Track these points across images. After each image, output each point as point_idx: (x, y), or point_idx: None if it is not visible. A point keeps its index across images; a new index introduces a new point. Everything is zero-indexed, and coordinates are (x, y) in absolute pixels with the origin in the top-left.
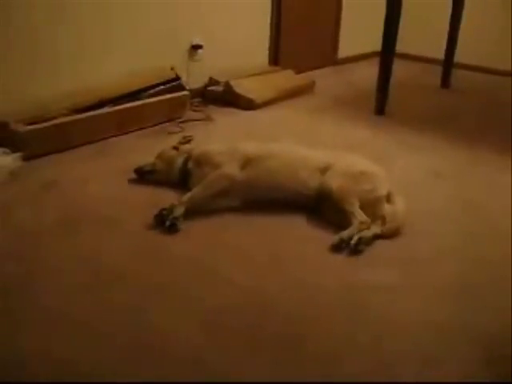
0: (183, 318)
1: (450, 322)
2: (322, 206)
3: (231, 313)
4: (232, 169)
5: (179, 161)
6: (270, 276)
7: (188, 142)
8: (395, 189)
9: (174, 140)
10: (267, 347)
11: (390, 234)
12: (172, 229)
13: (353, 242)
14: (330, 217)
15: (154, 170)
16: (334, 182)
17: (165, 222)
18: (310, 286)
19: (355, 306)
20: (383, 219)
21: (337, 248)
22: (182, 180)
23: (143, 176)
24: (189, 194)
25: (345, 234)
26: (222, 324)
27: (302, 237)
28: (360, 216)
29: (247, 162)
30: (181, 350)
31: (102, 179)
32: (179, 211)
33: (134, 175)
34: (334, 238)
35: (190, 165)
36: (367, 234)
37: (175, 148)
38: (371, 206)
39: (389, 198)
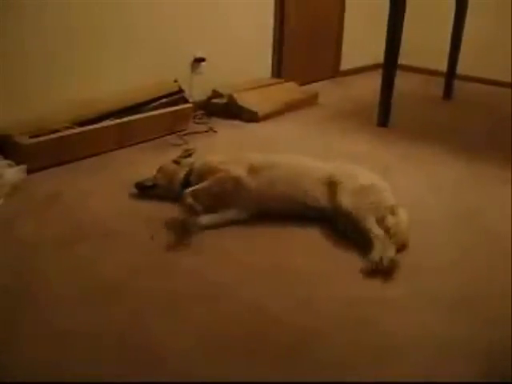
0: (183, 331)
1: (452, 334)
2: (333, 219)
3: (232, 326)
4: (238, 172)
5: (181, 175)
6: (274, 287)
7: (189, 155)
8: (398, 200)
9: (178, 153)
10: (268, 357)
11: (398, 247)
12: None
13: (385, 263)
14: (342, 229)
15: (155, 184)
16: (346, 201)
17: (143, 190)
18: (315, 299)
19: (359, 318)
20: (389, 231)
21: (371, 273)
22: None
23: (144, 191)
24: (192, 188)
25: (375, 257)
26: (221, 337)
27: (305, 249)
28: (378, 232)
29: (251, 172)
30: (179, 363)
31: (105, 192)
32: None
33: (135, 189)
34: (365, 264)
35: (193, 178)
36: (391, 252)
37: (176, 162)
38: (381, 219)
39: (392, 210)
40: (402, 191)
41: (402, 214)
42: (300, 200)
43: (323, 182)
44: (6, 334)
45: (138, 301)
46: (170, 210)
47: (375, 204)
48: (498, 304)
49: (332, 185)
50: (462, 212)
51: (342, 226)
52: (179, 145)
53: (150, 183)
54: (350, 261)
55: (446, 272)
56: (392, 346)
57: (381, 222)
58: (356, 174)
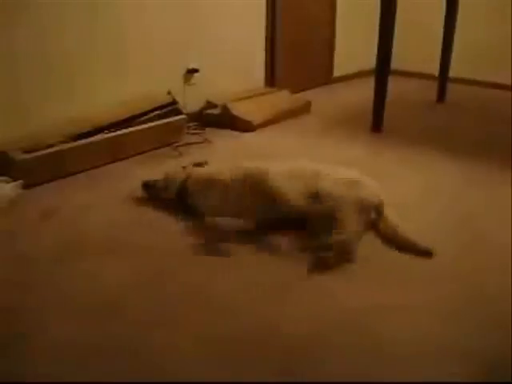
0: (182, 341)
1: (450, 337)
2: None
3: (231, 335)
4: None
5: (178, 181)
6: (272, 297)
7: (201, 165)
8: (395, 205)
9: (171, 164)
10: (267, 361)
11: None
12: None
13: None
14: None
15: (154, 185)
16: (325, 185)
17: (147, 189)
18: (314, 308)
19: (359, 325)
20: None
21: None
22: (178, 199)
23: (147, 190)
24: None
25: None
26: (220, 344)
27: (296, 261)
28: (351, 228)
29: (247, 178)
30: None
31: (101, 206)
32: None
33: (141, 191)
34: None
35: (190, 184)
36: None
37: (184, 168)
38: (362, 213)
39: (377, 209)
40: (399, 195)
41: (390, 212)
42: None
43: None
44: (15, 346)
45: (139, 312)
46: (169, 223)
47: (358, 198)
48: (496, 307)
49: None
50: (460, 215)
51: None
52: (174, 157)
53: (152, 183)
54: (345, 270)
55: (444, 275)
56: (391, 350)
57: (365, 217)
58: (343, 172)
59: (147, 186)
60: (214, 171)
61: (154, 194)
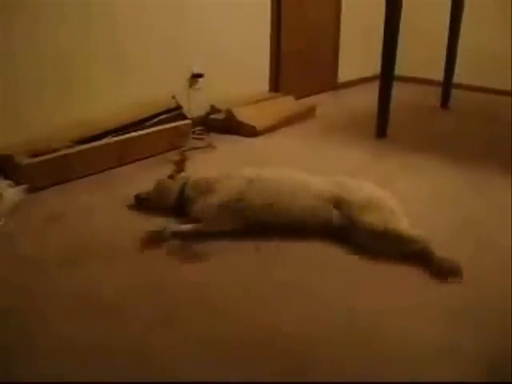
0: (183, 343)
1: (453, 341)
2: (346, 235)
3: (232, 337)
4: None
5: (176, 188)
6: (275, 301)
7: (182, 170)
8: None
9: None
10: (268, 363)
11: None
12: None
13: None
14: (362, 243)
15: (148, 198)
16: (368, 218)
17: (139, 202)
18: (316, 312)
19: (361, 328)
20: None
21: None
22: (178, 206)
23: (140, 202)
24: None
25: (438, 258)
26: (221, 351)
27: (305, 262)
28: (419, 234)
29: (246, 186)
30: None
31: (106, 210)
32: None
33: (133, 201)
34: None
35: (189, 191)
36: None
37: (171, 177)
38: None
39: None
40: (404, 201)
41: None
42: (296, 214)
43: (324, 197)
44: (15, 346)
45: (139, 314)
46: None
47: (391, 212)
48: (498, 308)
49: (339, 201)
50: (464, 220)
51: (362, 241)
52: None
53: (144, 196)
54: (349, 272)
55: (447, 281)
56: (391, 351)
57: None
58: (359, 187)
59: (139, 198)
60: (212, 177)
61: (148, 206)
